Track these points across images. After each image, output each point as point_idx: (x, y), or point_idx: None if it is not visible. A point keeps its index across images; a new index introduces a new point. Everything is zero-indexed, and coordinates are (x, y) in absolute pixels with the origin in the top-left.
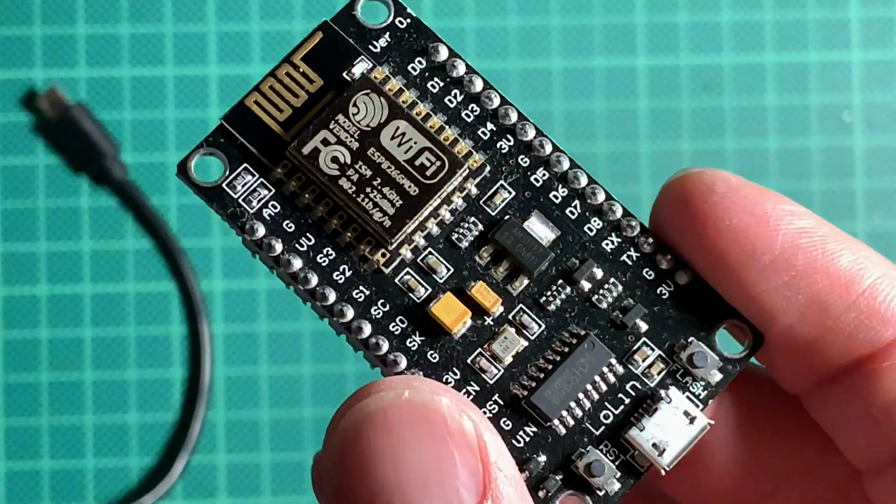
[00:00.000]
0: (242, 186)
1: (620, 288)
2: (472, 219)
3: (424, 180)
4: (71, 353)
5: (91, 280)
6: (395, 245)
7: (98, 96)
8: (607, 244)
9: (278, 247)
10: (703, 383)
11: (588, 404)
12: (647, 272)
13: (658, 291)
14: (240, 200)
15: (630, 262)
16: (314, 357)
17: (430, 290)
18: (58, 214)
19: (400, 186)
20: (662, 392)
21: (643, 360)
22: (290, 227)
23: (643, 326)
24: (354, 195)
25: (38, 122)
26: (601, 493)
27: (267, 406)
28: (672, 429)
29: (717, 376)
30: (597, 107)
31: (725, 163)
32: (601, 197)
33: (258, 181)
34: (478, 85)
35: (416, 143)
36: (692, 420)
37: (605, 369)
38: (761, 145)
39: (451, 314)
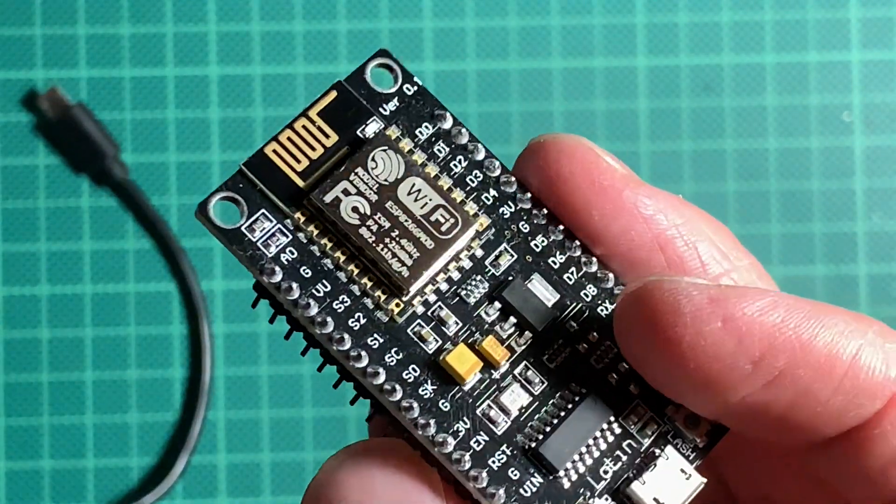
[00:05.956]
0: (261, 231)
1: (616, 351)
2: (479, 277)
3: (439, 235)
4: (71, 352)
5: (91, 280)
6: (410, 295)
7: (98, 96)
8: (602, 310)
9: (296, 291)
10: (692, 444)
11: (589, 459)
12: None
13: None
14: (258, 244)
15: None
16: (314, 357)
17: (440, 342)
18: (58, 214)
19: (417, 239)
20: (658, 450)
21: (639, 420)
22: (307, 273)
23: (635, 391)
24: (374, 244)
25: (38, 123)
26: None
27: (267, 406)
28: (670, 485)
29: (704, 440)
30: (597, 107)
31: (725, 163)
32: (595, 267)
33: (276, 227)
34: (481, 153)
35: (430, 199)
36: (688, 477)
37: (605, 426)
38: (761, 145)
39: (465, 364)
